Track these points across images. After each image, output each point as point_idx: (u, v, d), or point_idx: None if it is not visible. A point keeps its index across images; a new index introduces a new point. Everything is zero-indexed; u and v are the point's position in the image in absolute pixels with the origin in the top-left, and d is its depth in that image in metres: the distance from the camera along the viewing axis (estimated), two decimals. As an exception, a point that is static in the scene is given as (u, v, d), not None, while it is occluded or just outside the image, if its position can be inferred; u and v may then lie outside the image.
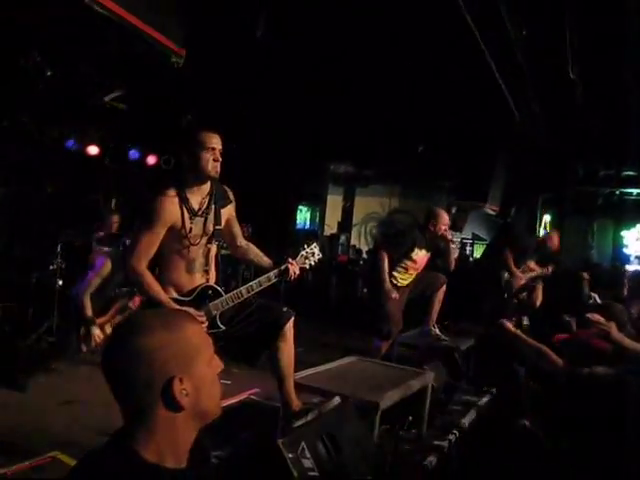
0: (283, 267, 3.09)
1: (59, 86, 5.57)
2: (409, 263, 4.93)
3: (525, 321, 5.34)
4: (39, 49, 5.00)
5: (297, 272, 3.12)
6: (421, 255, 4.98)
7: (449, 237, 5.06)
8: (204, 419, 1.21)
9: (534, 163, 8.76)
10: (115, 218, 6.24)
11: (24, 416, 3.84)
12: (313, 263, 3.24)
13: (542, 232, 10.80)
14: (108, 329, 4.63)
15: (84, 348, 4.48)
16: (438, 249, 5.14)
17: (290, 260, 3.13)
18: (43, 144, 7.11)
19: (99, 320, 4.57)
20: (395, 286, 4.88)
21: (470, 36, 4.43)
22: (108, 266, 4.62)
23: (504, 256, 6.19)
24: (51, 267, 5.71)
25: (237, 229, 3.22)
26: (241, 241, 3.25)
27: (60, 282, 5.59)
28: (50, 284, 5.65)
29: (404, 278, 4.97)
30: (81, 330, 4.49)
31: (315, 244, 3.26)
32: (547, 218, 10.96)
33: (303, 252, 3.19)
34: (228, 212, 3.11)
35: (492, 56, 4.89)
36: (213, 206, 2.98)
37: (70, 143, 7.40)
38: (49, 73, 5.24)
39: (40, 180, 7.42)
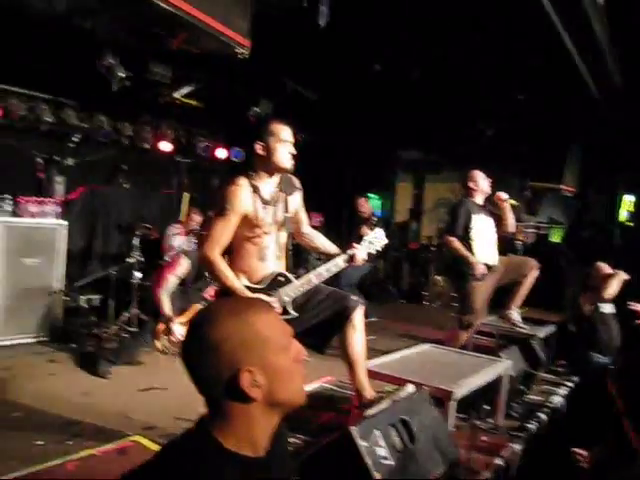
0: (350, 252, 3.09)
1: (132, 86, 5.74)
2: (476, 235, 4.78)
3: (607, 309, 5.08)
4: (111, 51, 5.17)
5: (364, 257, 3.12)
6: (482, 221, 4.86)
7: (502, 196, 4.88)
8: (284, 408, 1.19)
9: (613, 140, 8.32)
10: (195, 214, 6.42)
11: (107, 402, 4.02)
12: (379, 248, 3.23)
13: (624, 214, 10.27)
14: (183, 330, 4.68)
15: (158, 345, 4.48)
16: (496, 216, 4.99)
17: (356, 245, 3.13)
18: (119, 142, 7.38)
19: (178, 319, 4.54)
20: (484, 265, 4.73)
21: (540, 8, 4.21)
22: (185, 266, 4.67)
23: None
24: (129, 261, 5.94)
25: (304, 216, 3.26)
26: (306, 228, 3.29)
27: (138, 275, 5.82)
28: (129, 277, 5.89)
29: (479, 250, 4.79)
30: (157, 326, 4.51)
31: (380, 229, 3.26)
32: (630, 198, 10.37)
33: (367, 237, 3.19)
34: (296, 200, 3.14)
35: (565, 28, 4.65)
36: (282, 194, 3.02)
37: (144, 140, 7.64)
38: (122, 74, 5.40)
39: (117, 177, 7.70)
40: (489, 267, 4.74)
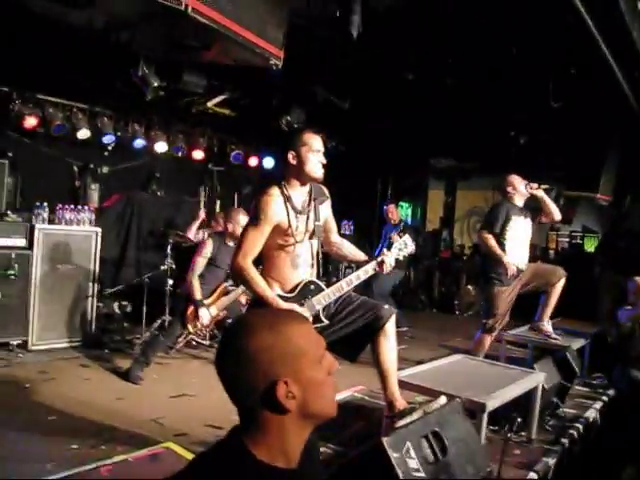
0: (379, 259, 3.11)
1: (166, 95, 5.83)
2: (509, 235, 4.75)
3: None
4: (146, 61, 5.26)
5: (392, 264, 3.14)
6: (520, 223, 4.81)
7: (534, 186, 4.81)
8: (316, 420, 1.19)
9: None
10: (221, 218, 6.50)
11: (139, 407, 4.07)
12: (407, 254, 3.26)
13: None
14: (214, 311, 4.84)
15: (190, 328, 4.74)
16: (535, 210, 4.92)
17: (385, 252, 3.15)
18: (152, 150, 7.50)
19: (207, 302, 4.82)
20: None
21: (574, 11, 4.14)
22: (209, 245, 4.86)
23: None
24: (162, 267, 6.01)
25: (333, 225, 3.28)
26: (336, 237, 3.32)
27: (170, 282, 5.88)
28: (161, 284, 5.96)
29: (509, 253, 4.73)
30: (189, 310, 4.73)
31: (407, 236, 3.29)
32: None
33: (396, 244, 3.21)
34: (326, 208, 3.16)
35: (603, 36, 4.57)
36: (313, 203, 3.04)
37: (177, 149, 7.76)
38: (156, 84, 5.49)
39: (150, 185, 7.83)
40: (518, 270, 4.70)
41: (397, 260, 3.20)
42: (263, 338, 1.13)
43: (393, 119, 7.96)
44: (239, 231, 4.87)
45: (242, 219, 4.89)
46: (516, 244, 4.77)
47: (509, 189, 4.89)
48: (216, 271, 4.94)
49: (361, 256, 3.28)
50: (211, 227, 6.62)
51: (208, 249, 4.87)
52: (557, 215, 4.88)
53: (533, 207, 4.94)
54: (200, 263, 4.82)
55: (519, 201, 4.90)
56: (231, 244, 4.91)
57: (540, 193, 4.83)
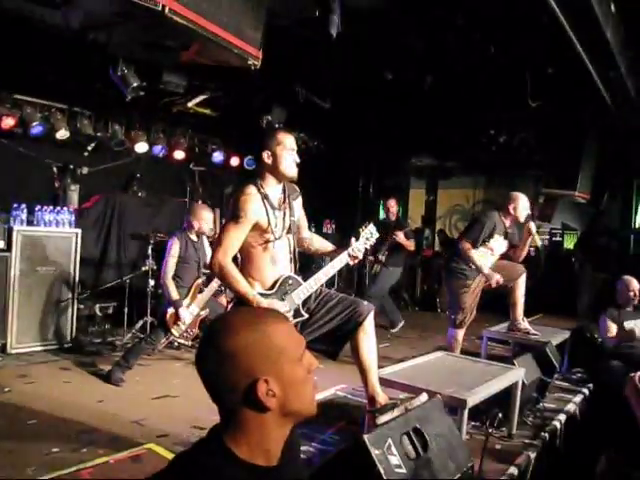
0: (350, 248, 3.17)
1: (145, 95, 5.79)
2: (485, 249, 4.81)
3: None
4: (125, 61, 5.22)
5: (361, 253, 3.21)
6: (499, 242, 4.85)
7: (532, 229, 4.86)
8: (296, 418, 1.20)
9: (627, 145, 8.26)
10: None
11: (121, 409, 4.04)
12: (372, 243, 3.33)
13: (639, 220, 10.18)
14: (195, 309, 4.80)
15: (175, 332, 4.68)
16: (514, 239, 4.97)
17: (353, 242, 3.20)
18: (132, 151, 7.45)
19: (185, 301, 4.78)
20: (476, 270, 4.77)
21: (552, 15, 4.21)
22: (176, 243, 4.82)
23: None
24: (143, 269, 5.98)
25: (304, 221, 3.33)
26: (306, 233, 3.36)
27: (152, 282, 5.85)
28: (143, 284, 5.93)
29: (480, 258, 4.78)
30: (168, 314, 4.68)
31: (372, 225, 3.32)
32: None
33: (363, 234, 3.25)
34: (298, 205, 3.21)
35: (577, 35, 4.63)
36: (288, 199, 3.09)
37: (158, 149, 7.71)
38: (135, 84, 5.44)
39: (131, 186, 7.78)
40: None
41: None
42: (243, 337, 1.14)
43: (374, 118, 7.98)
44: (204, 227, 4.92)
45: (205, 215, 4.94)
46: (487, 256, 4.83)
47: (510, 207, 4.84)
48: (188, 268, 4.89)
49: (330, 247, 3.36)
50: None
51: (176, 248, 4.82)
52: (519, 259, 5.02)
53: (512, 236, 4.98)
54: (171, 263, 4.78)
55: (508, 221, 4.89)
56: (195, 238, 4.95)
57: (529, 237, 4.90)
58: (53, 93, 6.63)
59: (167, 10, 2.97)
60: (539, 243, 5.10)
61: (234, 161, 8.65)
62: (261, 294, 2.95)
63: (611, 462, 2.86)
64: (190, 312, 4.74)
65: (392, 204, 7.43)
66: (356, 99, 7.24)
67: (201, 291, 4.89)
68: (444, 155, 10.38)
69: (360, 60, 5.88)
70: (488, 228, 4.76)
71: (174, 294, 4.71)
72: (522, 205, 4.85)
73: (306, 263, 8.11)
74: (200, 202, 7.22)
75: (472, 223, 5.01)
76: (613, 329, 4.99)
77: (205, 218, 4.94)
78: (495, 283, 4.67)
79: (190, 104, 7.05)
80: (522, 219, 4.88)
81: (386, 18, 4.87)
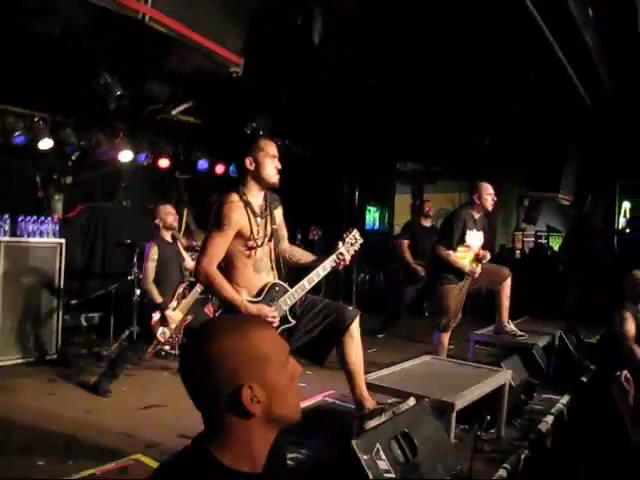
0: (336, 254, 3.15)
1: (129, 103, 5.76)
2: (462, 248, 4.83)
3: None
4: (108, 69, 5.20)
5: (349, 258, 3.19)
6: (473, 236, 4.88)
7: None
8: (281, 424, 1.20)
9: (609, 147, 8.36)
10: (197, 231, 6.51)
11: (108, 421, 4.00)
12: (357, 248, 3.30)
13: (622, 221, 10.29)
14: (179, 315, 4.78)
15: (160, 338, 4.65)
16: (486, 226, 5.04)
17: (340, 246, 3.19)
18: (117, 160, 7.40)
19: (171, 306, 4.77)
20: (459, 273, 4.81)
21: (532, 21, 4.26)
22: (154, 247, 4.82)
23: None
24: (129, 278, 5.94)
25: (284, 232, 3.31)
26: (286, 243, 3.34)
27: (138, 292, 5.81)
28: (129, 294, 5.88)
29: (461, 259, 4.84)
30: (153, 320, 4.66)
31: (356, 230, 3.31)
32: (627, 205, 10.40)
33: (347, 239, 3.24)
34: (279, 214, 3.22)
35: (557, 40, 4.69)
36: (269, 207, 3.11)
37: (142, 157, 7.67)
38: (119, 92, 5.42)
39: (116, 195, 7.73)
40: (464, 275, 4.84)
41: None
42: (227, 343, 1.14)
43: (359, 124, 8.01)
44: (168, 219, 4.95)
45: (162, 209, 5.01)
46: (466, 254, 4.85)
47: (475, 197, 4.91)
48: (170, 272, 4.88)
49: (311, 257, 3.33)
50: (186, 240, 6.53)
51: (154, 251, 4.81)
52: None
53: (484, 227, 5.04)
54: (150, 267, 4.77)
55: (477, 213, 4.94)
56: (170, 240, 5.00)
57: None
58: (35, 102, 6.57)
59: (147, 18, 2.97)
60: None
61: (219, 169, 8.61)
62: (249, 301, 2.95)
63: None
64: (175, 315, 4.73)
65: (430, 205, 7.69)
66: (340, 105, 7.26)
67: (185, 296, 4.87)
68: (429, 160, 10.43)
69: (344, 66, 5.90)
70: (458, 228, 4.79)
71: (157, 297, 4.70)
72: (485, 192, 4.89)
73: (292, 271, 8.15)
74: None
75: (442, 229, 5.05)
76: (631, 327, 4.76)
77: (164, 212, 4.99)
78: (477, 275, 4.74)
79: (174, 112, 7.03)
80: (489, 206, 4.92)
81: (368, 24, 4.90)
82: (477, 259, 4.87)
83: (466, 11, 4.67)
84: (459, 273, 4.81)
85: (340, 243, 3.20)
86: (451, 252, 4.76)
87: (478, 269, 4.78)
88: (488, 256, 4.89)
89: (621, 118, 7.22)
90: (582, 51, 4.98)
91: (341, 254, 3.15)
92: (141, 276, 5.17)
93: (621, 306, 4.92)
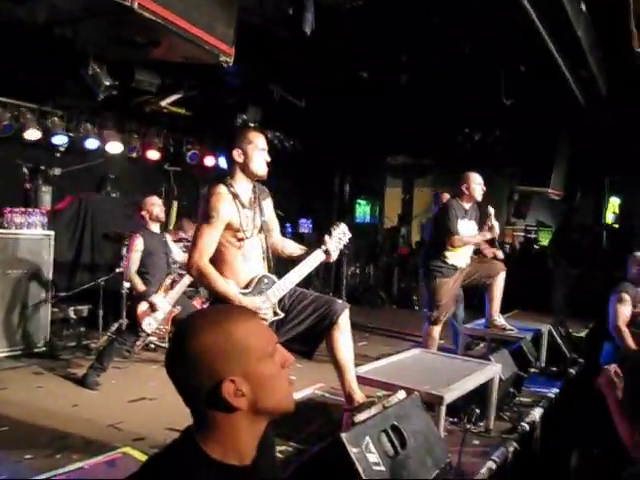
0: (324, 248, 3.15)
1: (118, 94, 5.70)
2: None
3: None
4: (96, 59, 5.14)
5: (337, 252, 3.20)
6: (466, 227, 4.88)
7: (490, 211, 4.91)
8: (271, 415, 1.19)
9: (599, 144, 8.39)
10: (186, 223, 6.48)
11: (96, 413, 3.98)
12: (346, 242, 3.29)
13: (610, 216, 10.36)
14: (167, 306, 4.76)
15: (147, 329, 4.64)
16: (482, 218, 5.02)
17: (327, 239, 3.18)
18: (105, 151, 7.34)
19: (158, 294, 4.76)
20: (452, 266, 4.84)
21: (525, 14, 4.24)
22: (139, 238, 4.82)
23: None
24: (117, 270, 5.90)
25: (275, 224, 3.29)
26: (278, 235, 3.33)
27: (127, 285, 5.76)
28: (117, 287, 5.85)
29: (454, 254, 4.85)
30: (139, 310, 4.65)
31: (343, 224, 3.30)
32: (616, 201, 10.47)
33: (335, 233, 3.23)
34: (268, 205, 3.20)
35: (550, 35, 4.68)
36: (258, 199, 3.09)
37: (131, 149, 7.61)
38: (107, 83, 5.36)
39: (104, 186, 7.66)
40: (457, 268, 4.86)
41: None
42: (205, 337, 1.12)
43: (349, 117, 7.99)
44: (155, 210, 4.93)
45: (149, 200, 4.99)
46: (455, 250, 4.85)
47: (463, 187, 4.89)
48: (156, 262, 4.86)
49: (302, 249, 3.32)
50: (171, 232, 6.50)
51: (139, 242, 4.80)
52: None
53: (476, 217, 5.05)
54: (134, 258, 4.76)
55: (467, 203, 4.94)
56: (156, 230, 5.02)
57: (491, 212, 4.92)
58: (22, 92, 6.49)
59: (136, 5, 2.93)
60: (494, 223, 5.02)
61: (209, 161, 8.58)
62: (240, 293, 2.94)
63: (583, 457, 2.89)
64: (162, 303, 4.71)
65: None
66: (331, 98, 7.23)
67: (172, 288, 4.85)
68: (419, 153, 10.43)
69: (335, 58, 5.87)
70: (453, 215, 4.80)
71: (141, 286, 4.68)
72: (474, 182, 4.88)
73: (282, 263, 8.15)
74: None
75: (437, 225, 5.04)
76: (627, 309, 4.72)
77: (149, 203, 4.98)
78: (492, 235, 4.85)
79: (164, 103, 6.96)
80: (478, 196, 4.92)
81: (360, 16, 4.86)
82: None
83: (458, 4, 4.65)
84: (452, 266, 4.81)
85: (327, 237, 3.19)
86: (461, 236, 4.76)
87: (488, 235, 4.84)
88: (500, 254, 4.90)
89: (613, 115, 7.25)
90: (574, 45, 4.97)
91: (327, 249, 3.14)
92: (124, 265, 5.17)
93: (620, 286, 4.89)
